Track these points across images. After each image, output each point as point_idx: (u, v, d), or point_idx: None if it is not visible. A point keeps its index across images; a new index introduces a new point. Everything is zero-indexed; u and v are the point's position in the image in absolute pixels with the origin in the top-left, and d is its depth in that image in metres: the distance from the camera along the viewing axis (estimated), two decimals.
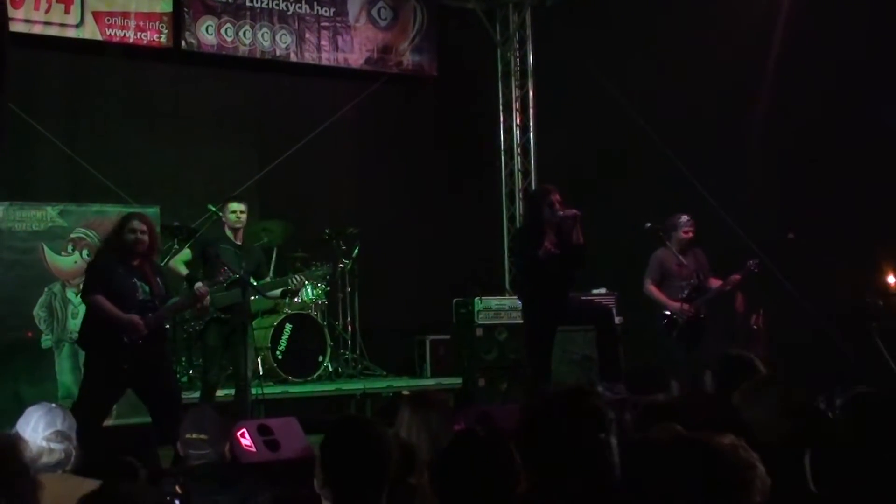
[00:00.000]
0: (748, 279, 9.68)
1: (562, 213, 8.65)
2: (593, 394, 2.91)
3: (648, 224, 9.71)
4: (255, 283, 8.75)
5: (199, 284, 8.06)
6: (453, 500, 3.19)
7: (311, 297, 11.05)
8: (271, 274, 10.24)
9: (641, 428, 4.14)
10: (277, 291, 9.62)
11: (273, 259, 10.80)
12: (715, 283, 9.62)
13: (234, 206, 8.99)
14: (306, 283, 10.51)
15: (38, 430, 4.31)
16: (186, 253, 9.15)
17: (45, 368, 9.11)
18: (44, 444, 4.29)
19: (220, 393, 8.88)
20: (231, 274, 8.50)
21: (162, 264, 9.06)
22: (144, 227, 7.43)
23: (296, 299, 10.88)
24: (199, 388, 8.96)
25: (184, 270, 9.02)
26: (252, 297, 8.98)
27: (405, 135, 12.73)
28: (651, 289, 9.61)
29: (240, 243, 8.94)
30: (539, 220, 8.81)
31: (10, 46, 7.75)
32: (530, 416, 2.97)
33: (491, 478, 3.15)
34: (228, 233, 8.95)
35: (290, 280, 9.56)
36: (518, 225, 12.87)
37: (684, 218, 9.69)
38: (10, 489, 1.84)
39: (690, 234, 9.64)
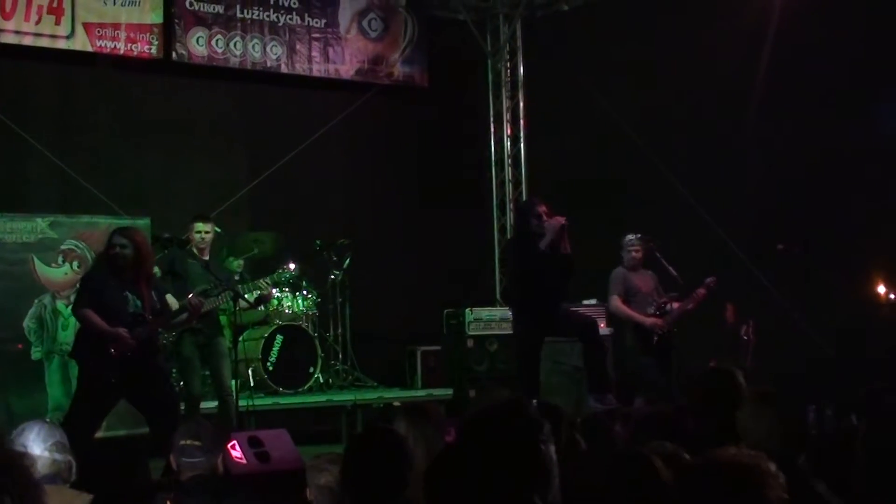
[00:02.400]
0: (710, 296, 9.72)
1: (547, 223, 8.68)
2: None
3: (638, 235, 9.77)
4: (237, 291, 8.79)
5: (191, 297, 8.08)
6: None
7: (301, 308, 11.04)
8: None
9: (637, 440, 4.16)
10: (250, 297, 9.57)
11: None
12: (676, 303, 9.67)
13: (200, 226, 8.97)
14: (271, 285, 10.37)
15: (38, 441, 4.32)
16: (155, 270, 9.13)
17: (35, 380, 9.08)
18: (47, 454, 4.29)
19: (204, 405, 8.86)
20: (214, 285, 8.52)
21: None
22: (125, 241, 7.42)
23: (286, 310, 10.87)
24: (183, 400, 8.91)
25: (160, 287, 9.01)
26: (244, 310, 9.00)
27: (396, 146, 12.75)
28: (619, 305, 9.68)
29: (206, 258, 8.94)
30: (527, 230, 8.86)
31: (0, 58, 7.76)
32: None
33: (481, 490, 3.16)
34: (194, 250, 8.96)
35: (259, 284, 9.53)
36: (508, 235, 12.91)
37: (633, 238, 9.78)
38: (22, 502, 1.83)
39: (638, 254, 9.73)
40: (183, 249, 9.01)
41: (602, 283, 10.32)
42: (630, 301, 9.67)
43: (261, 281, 9.52)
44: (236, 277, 9.73)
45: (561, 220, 8.66)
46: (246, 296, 9.08)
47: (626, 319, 9.68)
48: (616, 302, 9.70)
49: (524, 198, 12.99)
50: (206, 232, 8.98)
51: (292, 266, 10.34)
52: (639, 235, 9.83)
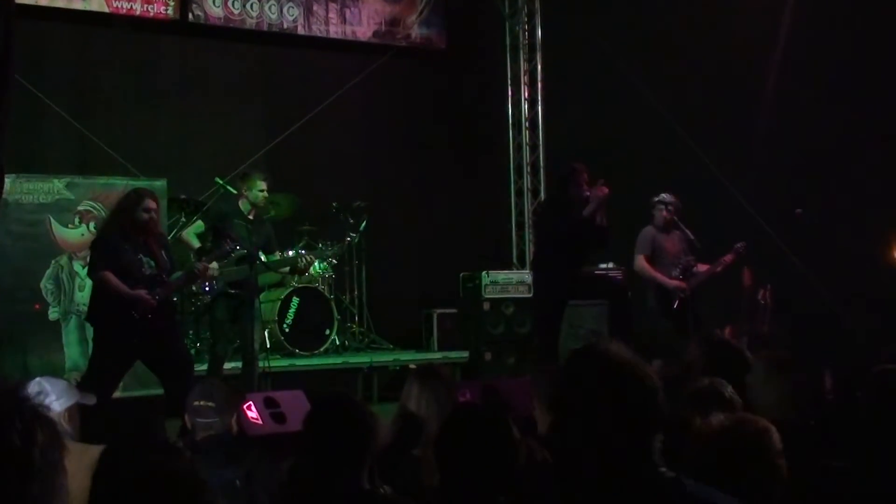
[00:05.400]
0: (738, 261, 9.69)
1: (588, 192, 8.68)
2: None
3: (656, 198, 9.71)
4: (265, 260, 8.77)
5: (196, 263, 8.06)
6: (453, 471, 3.21)
7: (318, 270, 11.05)
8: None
9: None
10: (287, 268, 9.61)
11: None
12: (703, 265, 9.63)
13: (262, 184, 8.79)
14: (312, 260, 10.49)
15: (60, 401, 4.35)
16: (199, 225, 9.10)
17: (53, 340, 9.12)
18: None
19: (227, 366, 8.89)
20: (239, 249, 8.48)
21: (172, 236, 9.10)
22: (156, 206, 7.47)
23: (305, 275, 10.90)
24: (206, 360, 8.97)
25: (196, 243, 8.98)
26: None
27: (413, 108, 12.70)
28: (644, 265, 9.59)
29: (252, 218, 8.88)
30: (565, 196, 8.86)
31: (16, 18, 7.72)
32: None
33: (490, 450, 3.16)
34: (244, 207, 8.81)
35: (299, 259, 9.52)
36: (525, 198, 12.91)
37: (667, 197, 9.69)
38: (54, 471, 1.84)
39: (667, 216, 9.63)
40: (233, 208, 8.91)
41: (617, 246, 10.30)
42: (655, 262, 9.58)
43: (302, 256, 9.51)
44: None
45: (605, 190, 8.67)
46: (283, 269, 9.19)
47: (650, 280, 9.61)
48: (641, 262, 9.61)
49: (542, 161, 12.98)
50: (267, 191, 8.91)
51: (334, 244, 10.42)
52: (669, 196, 9.73)
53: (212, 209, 9.44)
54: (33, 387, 4.31)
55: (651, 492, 2.39)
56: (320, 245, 10.52)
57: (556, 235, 8.93)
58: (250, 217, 8.83)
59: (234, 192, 9.09)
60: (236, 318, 8.71)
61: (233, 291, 8.64)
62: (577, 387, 2.46)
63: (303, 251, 10.11)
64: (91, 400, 4.59)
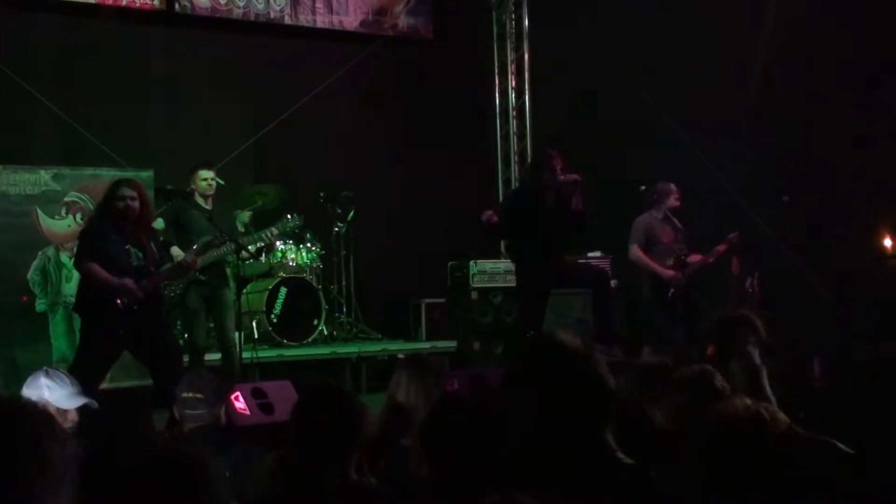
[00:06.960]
0: (731, 251, 9.73)
1: (562, 178, 8.67)
2: None
3: (643, 187, 9.73)
4: (239, 242, 8.79)
5: (186, 255, 8.05)
6: (441, 461, 3.21)
7: (305, 260, 11.05)
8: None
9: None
10: (253, 248, 9.58)
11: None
12: (695, 255, 9.66)
13: (205, 173, 8.90)
14: (276, 235, 10.43)
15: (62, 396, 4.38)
16: (159, 221, 9.09)
17: (40, 332, 9.10)
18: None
19: (208, 357, 8.88)
20: (229, 241, 8.50)
21: None
22: (134, 194, 7.39)
23: (290, 262, 10.88)
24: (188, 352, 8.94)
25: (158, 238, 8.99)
26: (246, 261, 8.99)
27: (400, 98, 12.67)
28: (639, 254, 9.62)
29: (209, 208, 8.91)
30: (539, 183, 8.86)
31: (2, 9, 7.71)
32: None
33: (477, 439, 3.16)
34: (199, 199, 8.89)
35: (263, 235, 9.51)
36: (513, 188, 12.90)
37: (674, 186, 9.72)
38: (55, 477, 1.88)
39: (678, 203, 9.66)
40: (188, 200, 8.97)
41: (605, 236, 10.33)
42: (649, 252, 9.62)
43: (265, 232, 9.50)
44: (241, 230, 9.69)
45: (574, 176, 8.67)
46: (249, 247, 9.09)
47: (645, 269, 9.64)
48: (636, 251, 9.64)
49: (529, 150, 12.97)
50: (212, 178, 8.92)
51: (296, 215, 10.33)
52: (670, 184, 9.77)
53: (169, 206, 9.41)
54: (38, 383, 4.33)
55: (607, 478, 2.39)
56: (285, 219, 10.40)
57: (527, 223, 8.92)
58: (208, 207, 8.88)
59: (222, 183, 9.13)
60: (210, 307, 8.73)
61: (202, 278, 8.64)
62: (532, 375, 2.48)
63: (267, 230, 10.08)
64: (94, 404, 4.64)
